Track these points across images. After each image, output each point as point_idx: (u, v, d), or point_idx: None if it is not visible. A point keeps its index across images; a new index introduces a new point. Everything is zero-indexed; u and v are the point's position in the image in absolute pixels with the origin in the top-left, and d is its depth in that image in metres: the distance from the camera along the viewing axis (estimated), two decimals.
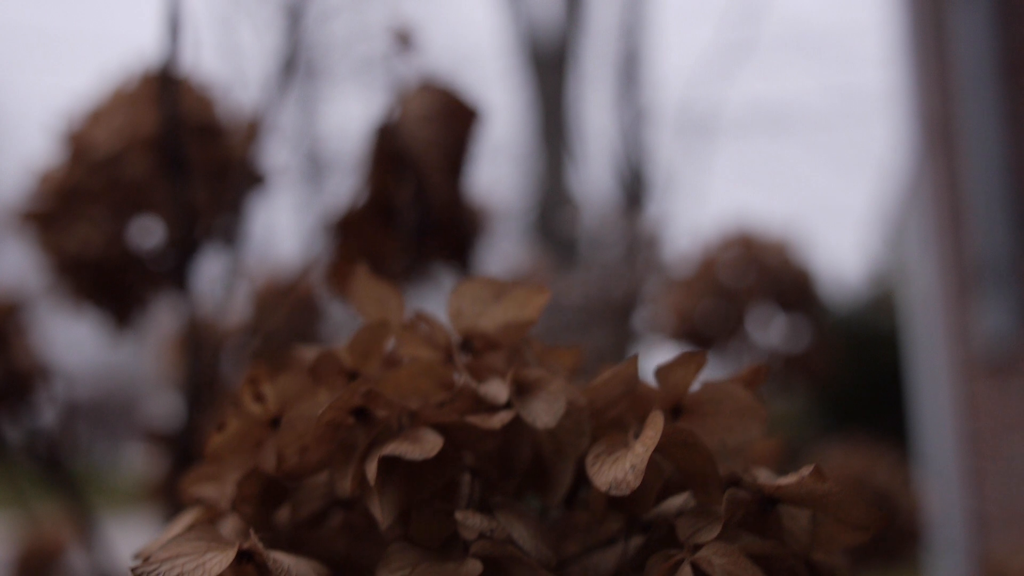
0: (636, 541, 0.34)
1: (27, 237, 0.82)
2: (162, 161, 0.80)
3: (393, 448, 0.31)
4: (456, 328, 0.37)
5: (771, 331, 1.40)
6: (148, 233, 0.85)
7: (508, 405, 0.33)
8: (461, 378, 0.34)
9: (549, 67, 6.32)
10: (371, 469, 0.31)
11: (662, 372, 0.33)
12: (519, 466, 0.34)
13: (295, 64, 0.96)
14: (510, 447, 0.34)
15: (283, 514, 0.37)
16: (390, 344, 0.37)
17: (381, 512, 0.32)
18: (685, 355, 0.34)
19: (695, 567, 0.29)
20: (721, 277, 1.41)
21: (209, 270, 0.86)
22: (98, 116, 0.82)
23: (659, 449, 0.32)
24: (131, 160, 0.80)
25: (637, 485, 0.30)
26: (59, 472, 0.77)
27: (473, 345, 0.36)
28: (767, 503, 0.32)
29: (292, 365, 0.37)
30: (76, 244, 0.80)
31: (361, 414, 0.33)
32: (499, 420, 0.32)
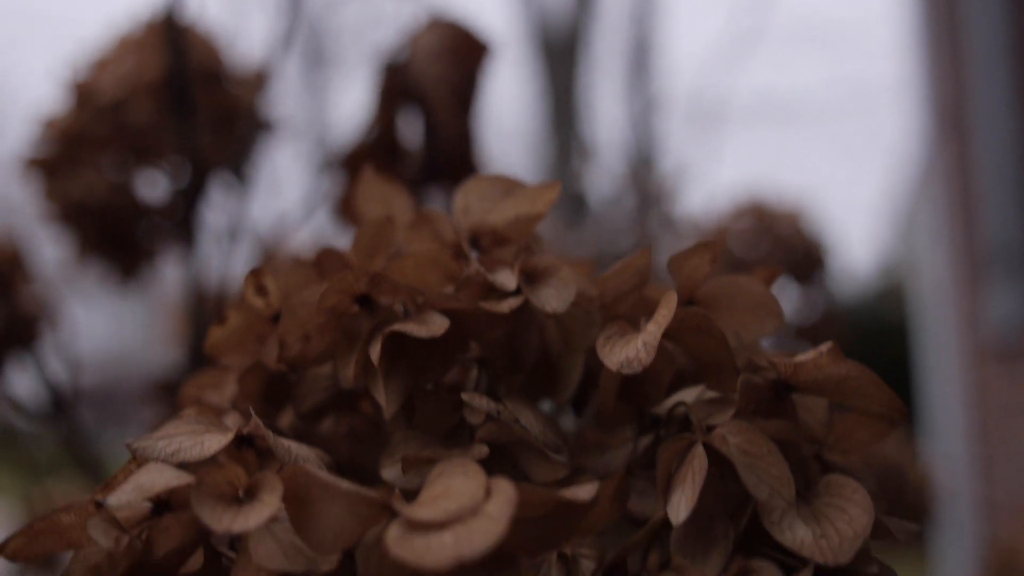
0: (647, 440, 0.33)
1: (33, 185, 0.82)
2: (168, 107, 0.79)
3: (398, 326, 0.30)
4: (464, 224, 0.36)
5: (782, 302, 1.39)
6: (154, 182, 0.84)
7: (517, 292, 0.32)
8: (470, 266, 0.33)
9: (559, 56, 6.29)
10: (375, 350, 0.31)
11: (676, 261, 0.32)
12: (527, 358, 0.33)
13: (300, 16, 0.95)
14: (518, 337, 0.33)
15: (285, 417, 0.36)
16: (396, 243, 0.36)
17: (386, 398, 0.31)
18: (700, 244, 0.33)
19: (708, 448, 0.29)
20: (733, 247, 1.40)
21: (215, 221, 0.85)
22: (104, 63, 0.81)
23: (671, 335, 0.31)
24: (136, 105, 0.79)
25: (649, 361, 0.29)
26: (61, 423, 0.76)
27: (481, 242, 0.35)
28: (782, 389, 0.31)
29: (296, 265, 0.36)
30: (81, 191, 0.80)
31: (365, 302, 0.32)
32: (508, 305, 0.31)
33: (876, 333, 5.00)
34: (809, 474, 0.30)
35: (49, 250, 0.87)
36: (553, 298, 0.32)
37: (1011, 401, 2.87)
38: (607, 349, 0.30)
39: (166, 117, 0.80)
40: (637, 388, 0.33)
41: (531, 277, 0.33)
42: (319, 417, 0.34)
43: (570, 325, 0.33)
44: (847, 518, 0.27)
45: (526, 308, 0.32)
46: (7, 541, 0.28)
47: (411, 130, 0.67)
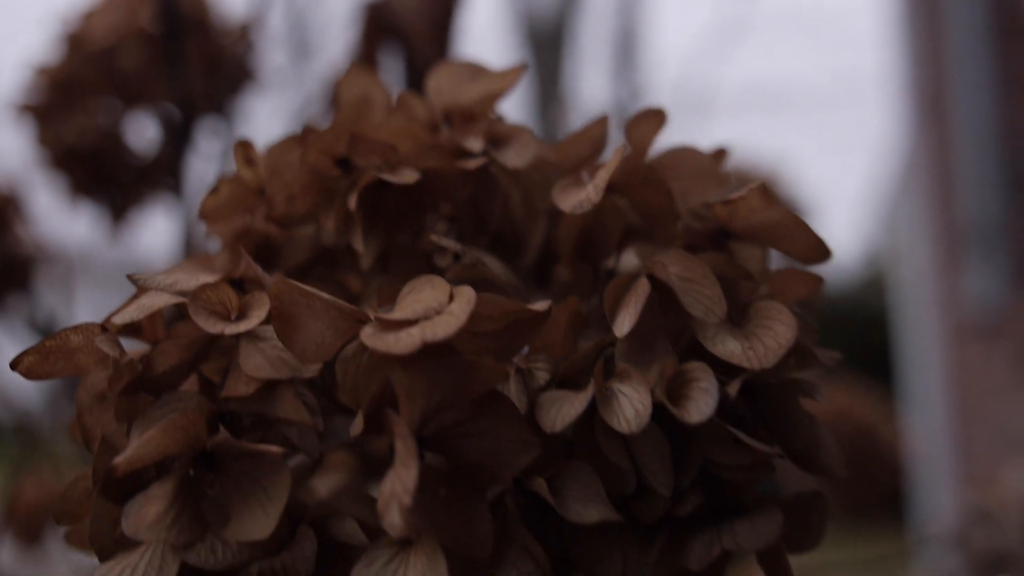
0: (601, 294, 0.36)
1: (26, 130, 0.84)
2: (157, 54, 0.82)
3: (375, 174, 0.33)
4: (436, 104, 0.39)
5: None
6: (143, 127, 0.87)
7: (484, 155, 0.36)
8: (441, 134, 0.36)
9: (546, 45, 6.31)
10: (353, 199, 0.34)
11: (630, 127, 0.36)
12: (491, 219, 0.37)
13: None
14: (484, 198, 0.36)
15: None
16: (374, 120, 0.39)
17: (364, 246, 0.34)
18: (649, 111, 0.36)
19: (652, 279, 0.32)
20: None
21: (201, 167, 0.88)
22: (95, 12, 0.84)
23: (620, 189, 0.35)
24: (127, 51, 0.82)
25: (598, 199, 0.32)
26: None
27: (452, 119, 0.39)
28: (721, 236, 0.34)
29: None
30: (73, 134, 0.82)
31: (345, 165, 0.35)
32: (474, 163, 0.35)
33: (861, 322, 5.05)
34: (742, 306, 0.33)
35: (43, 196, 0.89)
36: (514, 156, 0.35)
37: (990, 379, 2.91)
38: (562, 196, 0.34)
39: (155, 64, 0.83)
40: (591, 245, 0.36)
41: (495, 141, 0.36)
42: (303, 276, 0.38)
43: (531, 188, 0.37)
44: (773, 333, 0.31)
45: (491, 168, 0.36)
46: (21, 356, 0.31)
47: (393, 67, 0.71)
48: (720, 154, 0.39)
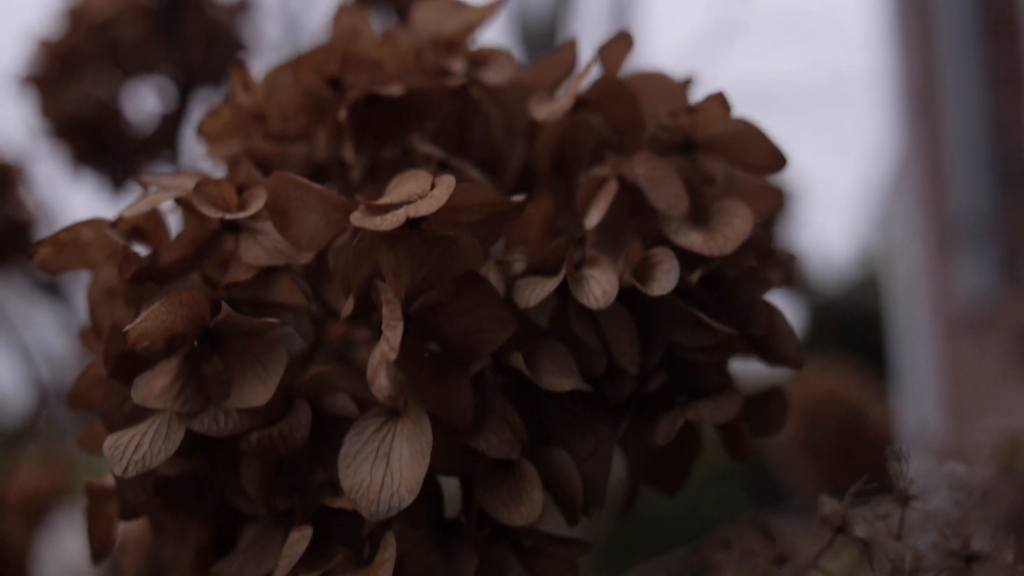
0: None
1: (28, 102, 0.87)
2: (156, 25, 0.85)
3: (365, 88, 0.36)
4: (421, 35, 0.41)
5: None
6: (142, 99, 0.90)
7: (465, 75, 0.38)
8: (427, 55, 0.39)
9: (539, 45, 6.33)
10: (343, 112, 0.36)
11: (602, 49, 0.38)
12: (473, 137, 0.39)
13: None
14: (465, 116, 0.39)
15: None
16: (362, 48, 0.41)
17: (354, 157, 0.37)
18: (620, 34, 0.39)
19: (620, 180, 0.34)
20: None
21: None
22: None
23: (591, 103, 0.37)
24: (126, 24, 0.85)
25: (569, 107, 0.35)
26: (60, 301, 0.82)
27: (436, 50, 0.41)
28: (686, 148, 0.37)
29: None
30: (73, 104, 0.85)
31: (336, 86, 0.38)
32: (456, 80, 0.37)
33: (855, 322, 5.07)
34: (704, 211, 0.35)
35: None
36: (494, 74, 0.38)
37: (982, 373, 2.94)
38: (538, 106, 0.36)
39: (154, 36, 0.86)
40: (565, 159, 0.39)
41: (476, 62, 0.39)
42: None
43: (510, 108, 0.39)
44: (732, 227, 0.34)
45: (472, 88, 0.38)
46: (36, 247, 0.33)
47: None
48: (688, 82, 0.41)
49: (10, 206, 0.83)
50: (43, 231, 0.85)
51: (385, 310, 0.29)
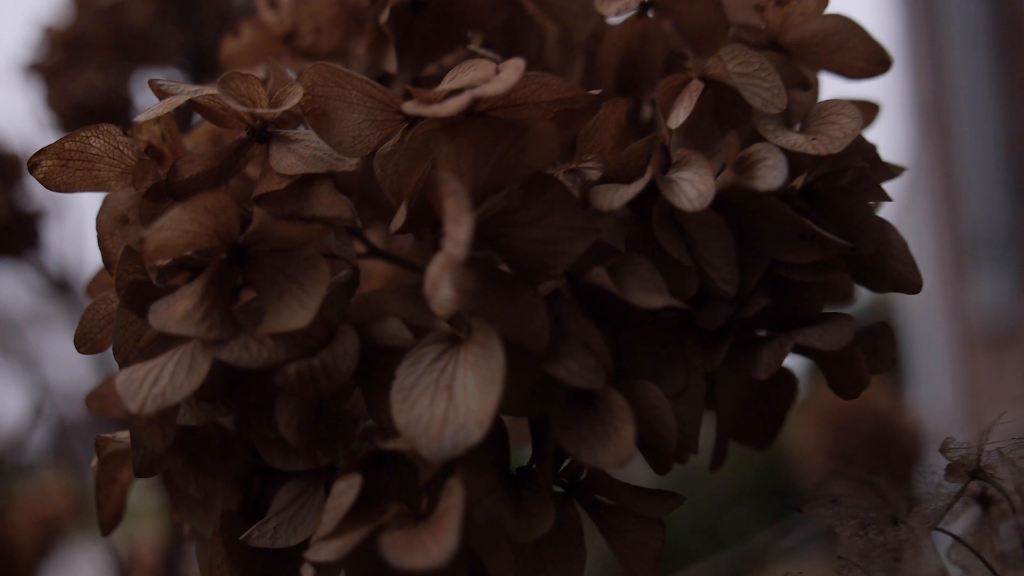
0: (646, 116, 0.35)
1: (34, 90, 0.83)
2: (165, 9, 0.81)
3: None
4: None
5: None
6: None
7: None
8: None
9: None
10: (384, 15, 0.32)
11: None
12: (526, 55, 0.35)
13: None
14: (518, 27, 0.35)
15: None
16: None
17: (397, 65, 0.32)
18: None
19: (705, 79, 0.30)
20: None
21: None
22: None
23: (664, 6, 0.33)
24: (134, 9, 0.81)
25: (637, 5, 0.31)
26: (69, 292, 0.77)
27: None
28: (772, 50, 0.33)
29: None
30: (81, 91, 0.81)
31: None
32: None
33: None
34: (801, 111, 0.31)
35: None
36: None
37: (1001, 389, 2.88)
38: (605, 4, 0.32)
39: (163, 21, 0.82)
40: (633, 73, 0.34)
41: None
42: None
43: (567, 19, 0.35)
44: (838, 125, 0.29)
45: (526, 1, 0.34)
46: (37, 158, 0.29)
47: None
48: None
49: (17, 197, 0.79)
50: (51, 223, 0.80)
51: (449, 204, 0.24)
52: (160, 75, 0.85)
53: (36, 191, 0.81)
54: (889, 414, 1.66)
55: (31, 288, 0.81)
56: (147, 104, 0.85)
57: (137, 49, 0.82)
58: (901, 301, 4.35)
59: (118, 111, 0.83)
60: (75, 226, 0.81)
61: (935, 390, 3.47)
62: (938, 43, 3.05)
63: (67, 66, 0.82)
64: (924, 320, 3.63)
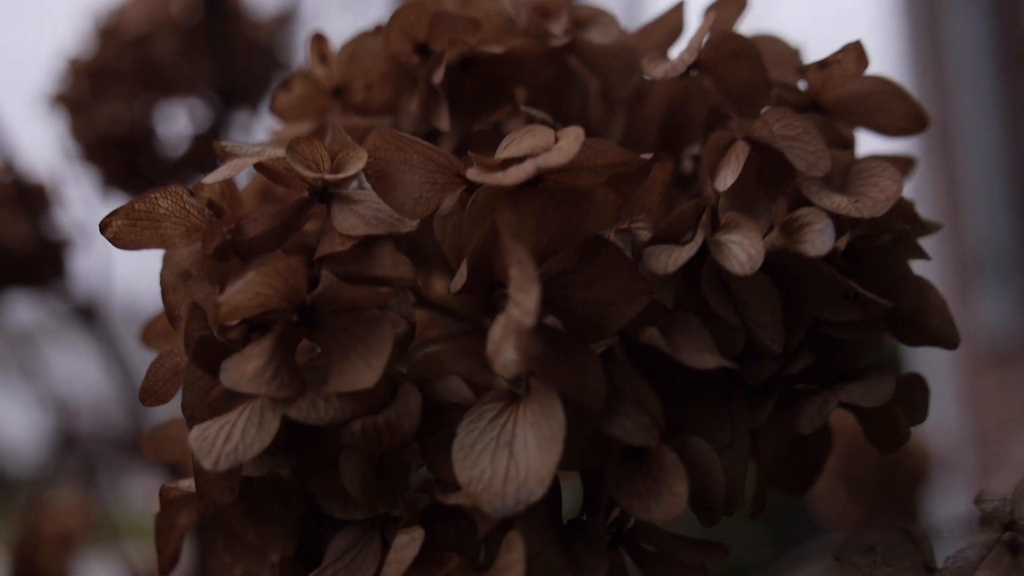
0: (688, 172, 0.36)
1: (59, 121, 0.84)
2: (191, 42, 0.82)
3: (460, 47, 0.33)
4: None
5: None
6: (175, 119, 0.87)
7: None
8: (522, 16, 0.35)
9: None
10: (438, 74, 0.33)
11: (713, 8, 0.35)
12: (569, 114, 0.36)
13: None
14: (563, 86, 0.36)
15: None
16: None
17: (449, 124, 0.34)
18: None
19: (750, 140, 0.31)
20: None
21: None
22: (128, 2, 0.84)
23: (706, 66, 0.34)
24: (160, 40, 0.82)
25: (691, 61, 0.32)
26: (95, 320, 0.78)
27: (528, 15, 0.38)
28: (812, 111, 0.34)
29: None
30: (106, 122, 0.82)
31: (424, 52, 0.35)
32: (559, 41, 0.34)
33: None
34: (841, 169, 0.32)
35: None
36: (599, 34, 0.35)
37: (1006, 409, 2.88)
38: (652, 65, 0.33)
39: (189, 54, 0.83)
40: (676, 129, 0.36)
41: (578, 24, 0.36)
42: None
43: (611, 75, 0.36)
44: (879, 188, 0.30)
45: (572, 53, 0.35)
46: (109, 219, 0.30)
47: None
48: (800, 48, 0.38)
49: (44, 227, 0.80)
50: (77, 253, 0.82)
51: (515, 272, 0.25)
52: (185, 107, 0.87)
53: (62, 220, 0.83)
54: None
55: (55, 314, 0.82)
56: (171, 135, 0.86)
57: (162, 80, 0.84)
58: None
59: (142, 142, 0.84)
60: (101, 254, 0.82)
61: (940, 409, 3.47)
62: (942, 62, 3.07)
63: (92, 97, 0.83)
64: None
